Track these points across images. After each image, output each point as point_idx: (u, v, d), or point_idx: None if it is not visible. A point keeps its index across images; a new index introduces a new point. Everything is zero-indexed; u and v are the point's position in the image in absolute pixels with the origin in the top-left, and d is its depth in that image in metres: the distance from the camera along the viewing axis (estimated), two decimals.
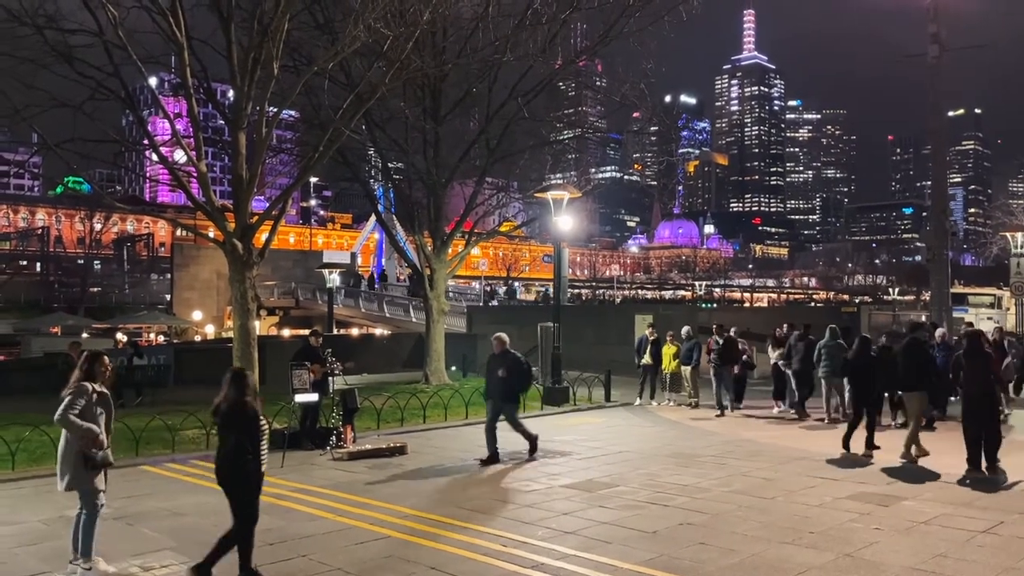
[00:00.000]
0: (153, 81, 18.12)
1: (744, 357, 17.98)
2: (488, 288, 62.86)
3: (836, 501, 9.22)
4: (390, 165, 26.72)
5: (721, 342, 17.63)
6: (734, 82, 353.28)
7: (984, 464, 10.43)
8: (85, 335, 40.10)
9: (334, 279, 34.38)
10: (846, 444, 12.19)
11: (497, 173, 26.92)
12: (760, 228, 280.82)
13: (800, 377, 16.72)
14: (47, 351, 28.61)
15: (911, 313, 37.37)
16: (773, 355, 17.67)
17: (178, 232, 77.10)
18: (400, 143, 23.83)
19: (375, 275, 51.99)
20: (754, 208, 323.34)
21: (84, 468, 6.74)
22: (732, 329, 18.19)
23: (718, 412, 17.10)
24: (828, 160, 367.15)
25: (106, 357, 7.12)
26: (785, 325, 18.00)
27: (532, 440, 12.36)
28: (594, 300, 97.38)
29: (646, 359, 18.98)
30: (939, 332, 16.98)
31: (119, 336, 42.49)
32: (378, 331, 42.33)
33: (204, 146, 16.80)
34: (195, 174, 16.74)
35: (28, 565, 7.24)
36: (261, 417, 6.73)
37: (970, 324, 19.50)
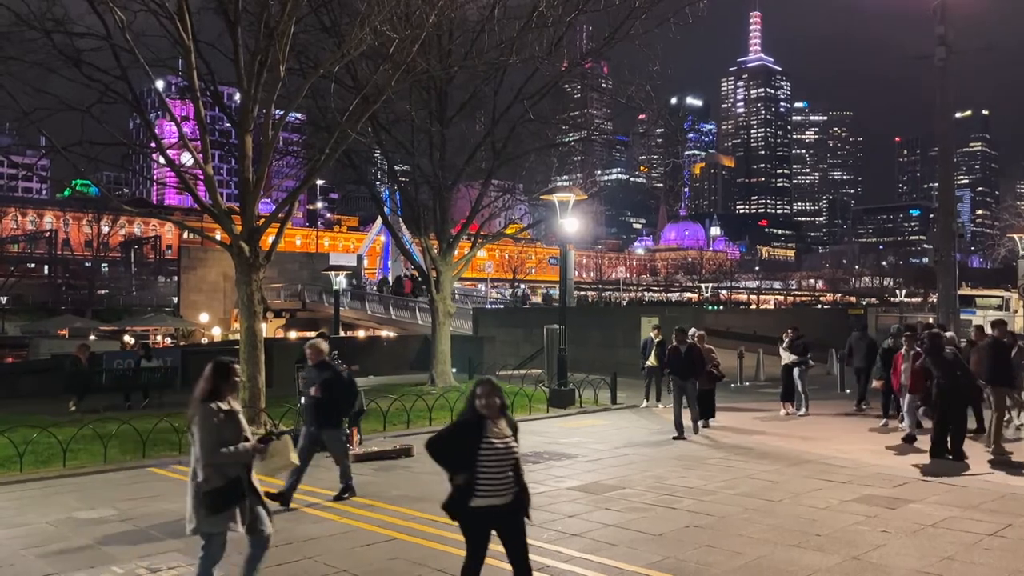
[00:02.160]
0: (160, 84, 18.18)
1: (710, 366, 15.56)
2: (520, 292, 63.33)
3: (843, 504, 9.20)
4: (396, 167, 26.73)
5: (683, 351, 14.59)
6: (740, 84, 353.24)
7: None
8: (93, 337, 40.12)
9: (340, 281, 34.43)
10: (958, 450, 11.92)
11: (503, 175, 26.89)
12: (766, 230, 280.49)
13: (862, 375, 17.44)
14: (55, 353, 28.64)
15: (918, 315, 37.26)
16: (785, 357, 17.65)
17: (185, 235, 77.23)
18: (406, 145, 23.85)
19: (400, 278, 52.36)
20: (760, 210, 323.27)
21: (202, 508, 5.73)
22: (697, 334, 15.54)
23: (676, 434, 14.15)
24: (834, 162, 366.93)
25: (236, 367, 6.01)
26: (790, 330, 17.99)
27: (347, 484, 9.78)
28: (600, 302, 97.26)
29: (651, 361, 18.95)
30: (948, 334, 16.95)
31: (126, 338, 42.65)
32: (384, 333, 42.39)
33: (211, 149, 16.88)
34: (202, 177, 16.83)
35: (35, 567, 7.28)
36: (485, 438, 5.43)
37: (980, 327, 19.37)
